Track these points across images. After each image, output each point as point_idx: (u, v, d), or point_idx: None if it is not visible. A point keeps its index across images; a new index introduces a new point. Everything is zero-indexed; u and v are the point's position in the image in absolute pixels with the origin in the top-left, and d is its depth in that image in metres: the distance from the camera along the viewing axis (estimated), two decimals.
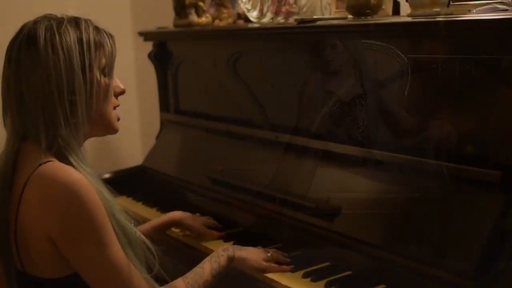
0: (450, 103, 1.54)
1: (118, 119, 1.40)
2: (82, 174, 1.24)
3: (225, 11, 2.20)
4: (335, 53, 1.75)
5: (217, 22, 2.22)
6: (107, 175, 2.45)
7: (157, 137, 2.56)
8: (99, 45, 1.31)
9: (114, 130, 1.41)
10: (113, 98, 1.37)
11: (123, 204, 2.26)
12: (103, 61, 1.32)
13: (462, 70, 1.47)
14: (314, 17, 1.72)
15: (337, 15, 1.92)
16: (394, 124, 1.67)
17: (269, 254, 1.59)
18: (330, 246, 1.66)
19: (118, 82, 1.39)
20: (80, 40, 1.28)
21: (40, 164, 1.24)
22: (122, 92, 1.40)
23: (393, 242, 1.52)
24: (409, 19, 1.53)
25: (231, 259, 1.52)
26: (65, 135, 1.27)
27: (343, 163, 1.74)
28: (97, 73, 1.31)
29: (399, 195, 1.58)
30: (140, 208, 2.23)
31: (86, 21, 1.33)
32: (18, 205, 1.24)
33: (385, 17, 1.75)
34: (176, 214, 1.91)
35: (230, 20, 2.21)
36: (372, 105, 1.70)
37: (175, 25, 2.43)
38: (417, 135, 1.62)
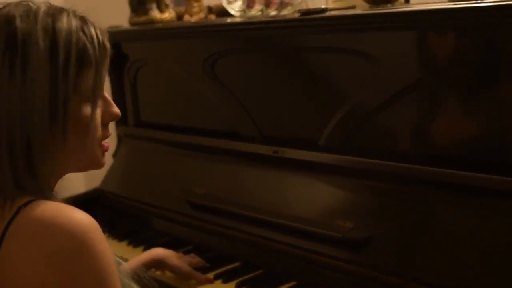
0: (494, 102, 1.29)
1: (106, 150, 1.06)
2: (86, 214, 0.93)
3: (195, 4, 1.86)
4: (350, 50, 1.46)
5: (187, 17, 1.88)
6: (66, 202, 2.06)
7: (114, 155, 2.19)
8: (85, 60, 0.95)
9: (97, 167, 1.07)
10: (100, 129, 1.02)
11: None
12: (90, 82, 0.96)
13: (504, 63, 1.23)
14: (323, 6, 1.42)
15: (335, 5, 1.64)
16: (430, 132, 1.40)
17: None
18: (364, 285, 1.37)
19: (111, 104, 1.03)
20: (53, 51, 0.92)
21: (20, 208, 0.91)
22: (116, 118, 1.05)
23: (450, 280, 1.25)
24: (450, 4, 1.26)
25: None
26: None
27: (366, 181, 1.45)
28: (78, 105, 0.96)
29: (448, 220, 1.32)
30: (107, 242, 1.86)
31: (68, 12, 0.96)
32: None
33: (405, 4, 1.47)
34: (158, 252, 1.59)
35: (202, 15, 1.88)
36: (399, 111, 1.42)
37: (131, 23, 2.07)
38: (461, 143, 1.36)
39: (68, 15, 0.96)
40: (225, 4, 1.72)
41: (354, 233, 1.40)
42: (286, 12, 1.60)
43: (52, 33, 0.93)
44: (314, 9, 1.42)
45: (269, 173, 1.65)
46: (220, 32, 1.71)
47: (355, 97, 1.48)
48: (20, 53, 0.92)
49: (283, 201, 1.58)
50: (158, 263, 1.57)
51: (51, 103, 0.92)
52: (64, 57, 0.92)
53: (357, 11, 1.44)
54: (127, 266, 1.46)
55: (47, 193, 0.97)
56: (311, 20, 1.45)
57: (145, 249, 1.76)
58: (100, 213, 2.06)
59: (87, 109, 0.97)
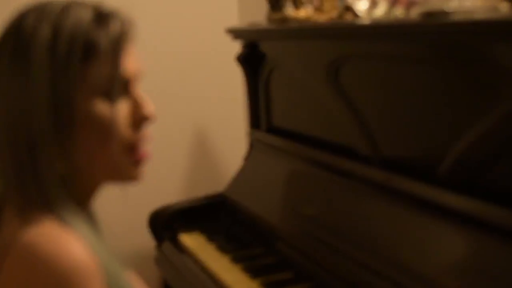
0: None
1: (143, 159, 0.92)
2: (86, 249, 0.82)
3: (327, 1, 1.65)
4: (485, 62, 1.15)
5: (316, 16, 1.68)
6: (187, 205, 2.00)
7: (245, 159, 2.07)
8: (93, 50, 0.85)
9: (127, 179, 0.93)
10: (126, 131, 0.89)
11: (192, 242, 1.83)
12: (103, 74, 0.85)
13: None
14: (445, 9, 1.13)
15: (479, 3, 1.32)
16: None
17: None
18: None
19: (141, 102, 0.90)
20: (54, 45, 0.83)
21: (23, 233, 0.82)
22: (148, 119, 0.91)
23: None
24: None
25: None
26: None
27: (486, 233, 1.14)
28: (87, 101, 0.85)
29: None
30: (210, 253, 1.75)
31: (85, 4, 0.88)
32: None
33: None
34: None
35: (334, 14, 1.66)
36: None
37: (269, 20, 1.92)
38: None
39: (82, 7, 0.86)
40: (352, 3, 1.49)
41: None
42: (414, 13, 1.32)
43: (56, 27, 0.84)
44: (435, 10, 1.14)
45: (378, 204, 1.39)
46: (339, 34, 1.48)
47: (488, 120, 1.16)
48: (23, 52, 0.84)
49: (387, 241, 1.32)
50: None
51: (53, 102, 0.84)
52: (65, 49, 0.83)
53: (490, 16, 1.13)
54: None
55: (65, 208, 0.86)
56: (431, 25, 1.17)
57: (243, 268, 1.61)
58: (222, 220, 1.99)
59: (102, 107, 0.86)
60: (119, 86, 0.87)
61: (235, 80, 2.51)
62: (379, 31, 1.35)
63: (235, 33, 2.02)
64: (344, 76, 1.56)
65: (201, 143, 2.53)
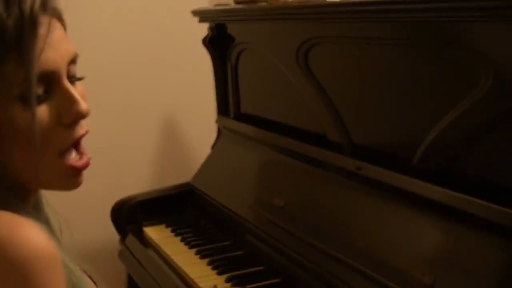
0: None
1: (81, 168, 0.79)
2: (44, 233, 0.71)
3: None
4: (467, 45, 1.07)
5: None
6: (151, 196, 1.91)
7: (213, 147, 1.98)
8: (7, 40, 0.69)
9: (64, 187, 0.82)
10: (55, 133, 0.76)
11: (156, 236, 1.74)
12: (17, 75, 0.71)
13: None
14: None
15: None
16: None
17: None
18: None
19: (71, 99, 0.75)
20: None
21: None
22: (80, 117, 0.77)
23: None
24: None
25: None
26: None
27: (461, 224, 1.07)
28: (3, 108, 0.72)
29: None
30: (175, 247, 1.67)
31: None
32: None
33: None
34: None
35: None
36: None
37: (236, 1, 1.82)
38: None
39: None
40: None
41: None
42: None
43: None
44: None
45: (350, 193, 1.32)
46: (310, 15, 1.40)
47: (462, 105, 1.09)
48: None
49: (358, 232, 1.25)
50: None
51: None
52: None
53: None
54: None
55: (8, 203, 0.76)
56: (406, 3, 1.09)
57: (210, 263, 1.53)
58: (188, 212, 1.90)
59: (20, 114, 0.72)
60: (38, 84, 0.72)
61: (205, 66, 2.42)
62: (350, 10, 1.27)
63: (201, 14, 1.92)
64: (314, 59, 1.47)
65: (170, 132, 2.44)
